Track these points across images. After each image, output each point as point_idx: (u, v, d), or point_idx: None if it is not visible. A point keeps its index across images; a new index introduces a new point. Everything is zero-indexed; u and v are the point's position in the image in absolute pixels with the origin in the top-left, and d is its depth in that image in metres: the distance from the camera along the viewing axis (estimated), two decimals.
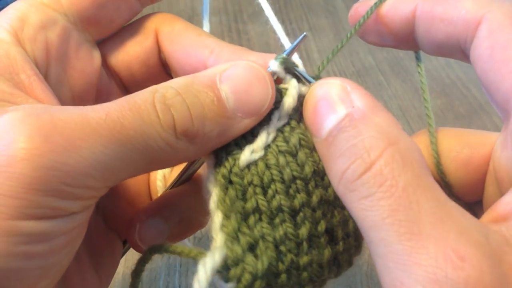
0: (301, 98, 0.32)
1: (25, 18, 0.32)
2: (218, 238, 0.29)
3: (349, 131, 0.26)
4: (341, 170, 0.26)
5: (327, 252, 0.30)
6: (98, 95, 0.38)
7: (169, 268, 0.57)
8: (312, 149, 0.31)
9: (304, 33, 0.34)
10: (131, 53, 0.38)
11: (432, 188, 0.24)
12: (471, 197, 0.32)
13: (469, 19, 0.29)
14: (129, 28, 0.39)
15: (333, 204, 0.31)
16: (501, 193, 0.29)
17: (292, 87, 0.32)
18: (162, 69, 0.40)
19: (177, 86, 0.29)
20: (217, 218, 0.30)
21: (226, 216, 0.30)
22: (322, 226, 0.30)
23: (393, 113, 0.81)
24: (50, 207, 0.25)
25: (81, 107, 0.27)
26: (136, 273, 0.34)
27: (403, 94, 0.87)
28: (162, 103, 0.28)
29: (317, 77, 0.33)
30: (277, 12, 1.09)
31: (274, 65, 0.32)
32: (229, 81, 0.30)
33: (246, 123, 0.30)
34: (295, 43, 0.34)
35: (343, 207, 0.30)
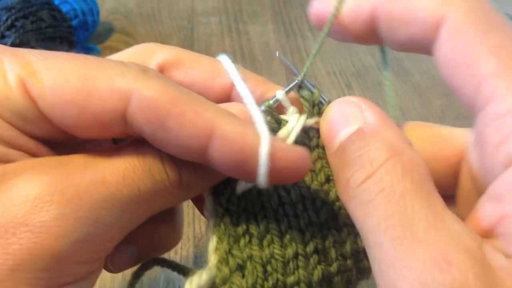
0: (308, 130, 0.33)
1: None
2: (211, 260, 0.32)
3: (357, 143, 0.27)
4: (346, 178, 0.27)
5: (316, 273, 0.31)
6: None
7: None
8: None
9: (296, 81, 0.35)
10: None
11: (430, 196, 0.25)
12: (445, 189, 0.31)
13: (429, 22, 0.27)
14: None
15: (326, 226, 0.32)
16: (478, 192, 0.29)
17: (290, 123, 0.33)
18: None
19: None
20: (212, 241, 0.32)
21: (220, 240, 0.32)
22: (310, 247, 0.31)
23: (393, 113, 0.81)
24: (77, 273, 0.27)
25: (94, 163, 0.27)
26: (131, 285, 0.37)
27: (403, 94, 0.87)
28: (169, 157, 0.28)
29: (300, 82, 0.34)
30: (277, 12, 1.09)
31: (280, 95, 0.34)
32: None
33: None
34: (292, 84, 0.34)
35: (338, 229, 0.32)
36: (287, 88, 0.34)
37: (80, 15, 0.89)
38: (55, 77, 0.26)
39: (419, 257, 0.22)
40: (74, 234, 0.25)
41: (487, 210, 0.25)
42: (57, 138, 0.29)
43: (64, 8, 0.87)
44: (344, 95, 0.85)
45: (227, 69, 0.35)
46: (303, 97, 0.34)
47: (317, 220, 0.32)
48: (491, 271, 0.22)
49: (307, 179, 0.33)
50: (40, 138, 0.28)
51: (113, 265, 0.35)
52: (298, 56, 0.93)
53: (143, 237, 0.36)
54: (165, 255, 0.58)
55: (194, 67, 0.36)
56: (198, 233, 0.61)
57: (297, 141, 0.33)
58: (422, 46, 0.29)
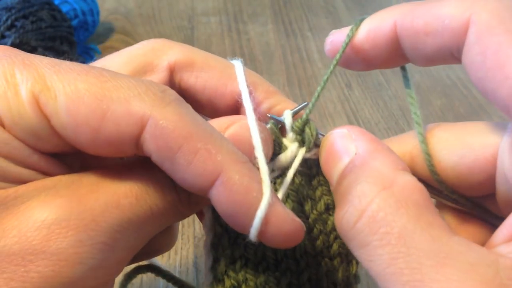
0: (307, 160, 0.33)
1: None
2: (207, 278, 0.32)
3: (349, 177, 0.27)
4: (339, 218, 0.26)
5: None
6: None
7: (169, 269, 0.57)
8: (303, 203, 0.33)
9: (306, 102, 0.34)
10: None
11: (431, 227, 0.24)
12: (482, 192, 0.31)
13: (455, 27, 0.27)
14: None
15: (321, 255, 0.32)
16: None
17: (289, 151, 0.33)
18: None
19: None
20: (208, 260, 0.32)
21: (217, 259, 0.32)
22: (304, 277, 0.32)
23: (393, 113, 0.81)
24: None
25: (107, 184, 0.27)
26: (122, 286, 0.38)
27: (403, 94, 0.87)
28: None
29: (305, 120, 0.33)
30: (277, 12, 1.09)
31: (286, 114, 0.33)
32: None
33: None
34: (296, 108, 0.34)
35: (331, 258, 0.33)
36: (295, 109, 0.34)
37: (80, 15, 0.89)
38: (69, 95, 0.25)
39: None
40: (91, 260, 0.25)
41: None
42: (67, 151, 0.28)
43: (64, 8, 0.87)
44: (344, 95, 0.85)
45: (239, 83, 0.34)
46: (300, 134, 0.33)
47: (312, 250, 0.32)
48: None
49: (307, 207, 0.33)
50: (50, 152, 0.28)
51: None
52: (298, 56, 0.93)
53: None
54: (165, 254, 0.58)
55: (206, 71, 0.35)
56: (198, 233, 0.61)
57: (298, 171, 0.33)
58: (450, 55, 0.28)
